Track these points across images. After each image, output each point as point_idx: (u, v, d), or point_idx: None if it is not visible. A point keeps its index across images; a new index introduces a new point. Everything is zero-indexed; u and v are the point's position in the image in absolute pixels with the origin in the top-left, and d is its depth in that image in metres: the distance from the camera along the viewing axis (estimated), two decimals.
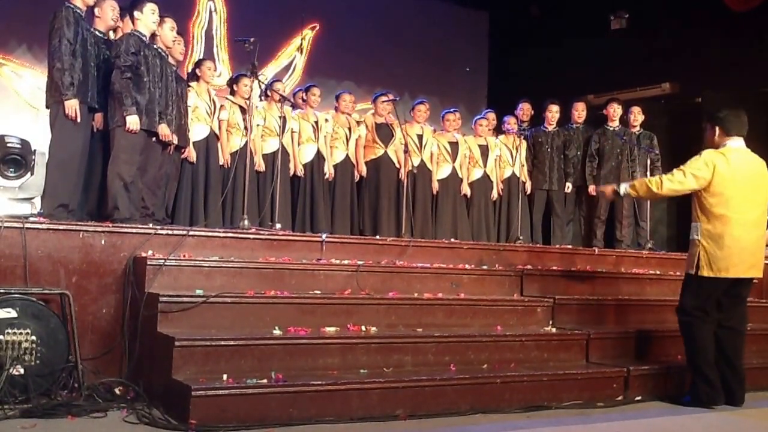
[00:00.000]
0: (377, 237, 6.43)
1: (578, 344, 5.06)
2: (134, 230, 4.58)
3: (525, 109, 8.39)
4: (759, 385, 5.14)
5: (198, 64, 6.70)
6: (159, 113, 5.40)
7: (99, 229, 4.47)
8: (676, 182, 4.67)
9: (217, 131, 6.53)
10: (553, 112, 8.18)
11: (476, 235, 7.83)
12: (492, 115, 8.36)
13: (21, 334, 3.88)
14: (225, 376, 3.75)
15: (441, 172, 7.73)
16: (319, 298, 4.63)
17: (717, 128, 4.72)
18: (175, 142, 5.70)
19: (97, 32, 5.42)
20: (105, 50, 5.41)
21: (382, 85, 8.95)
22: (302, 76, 10.04)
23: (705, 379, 4.61)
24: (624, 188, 4.98)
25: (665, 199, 7.72)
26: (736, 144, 4.68)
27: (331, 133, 7.21)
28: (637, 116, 7.98)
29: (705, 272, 4.61)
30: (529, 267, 5.95)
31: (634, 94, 9.38)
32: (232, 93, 6.85)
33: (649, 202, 7.83)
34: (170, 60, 5.78)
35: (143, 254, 4.43)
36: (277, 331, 4.21)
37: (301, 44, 10.10)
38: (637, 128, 7.99)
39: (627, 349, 5.26)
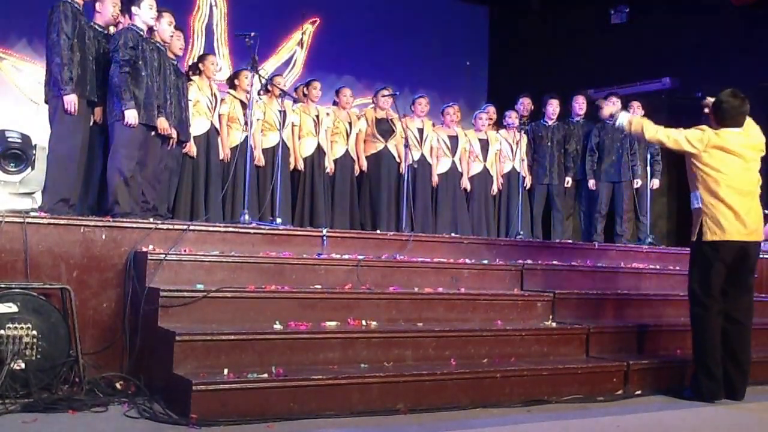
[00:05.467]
0: (378, 232, 6.43)
1: (578, 338, 5.06)
2: (135, 225, 4.57)
3: (525, 104, 8.39)
4: (759, 379, 5.13)
5: (201, 58, 6.70)
6: (157, 107, 5.40)
7: (99, 223, 4.46)
8: (671, 139, 4.73)
9: (217, 126, 6.53)
10: (554, 106, 8.20)
11: (476, 229, 7.83)
12: (492, 109, 8.36)
13: (22, 328, 3.89)
14: (226, 371, 3.76)
15: (441, 166, 7.74)
16: (320, 292, 4.63)
17: (715, 115, 4.74)
18: (175, 136, 5.70)
19: (96, 26, 5.42)
20: (105, 44, 5.40)
21: (383, 79, 8.94)
22: (302, 70, 10.03)
23: (708, 374, 4.61)
24: (622, 120, 4.95)
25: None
26: (731, 131, 4.70)
27: (331, 127, 7.21)
28: (637, 111, 7.96)
29: (709, 236, 4.61)
30: (529, 261, 5.95)
31: (635, 89, 9.38)
32: (233, 87, 6.85)
33: (649, 198, 7.83)
34: (169, 54, 5.78)
35: (144, 249, 4.43)
36: (277, 326, 4.21)
37: (302, 39, 10.08)
38: None
39: (627, 344, 5.25)
